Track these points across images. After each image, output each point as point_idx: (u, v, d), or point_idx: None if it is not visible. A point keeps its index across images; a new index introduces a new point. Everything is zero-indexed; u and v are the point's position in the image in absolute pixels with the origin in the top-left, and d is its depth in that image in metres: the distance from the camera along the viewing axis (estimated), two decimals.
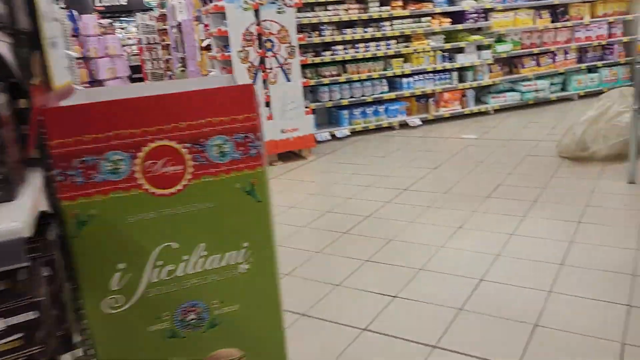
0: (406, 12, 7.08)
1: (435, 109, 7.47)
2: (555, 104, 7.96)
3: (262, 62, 5.70)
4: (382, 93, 7.18)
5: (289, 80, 5.83)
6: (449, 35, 7.64)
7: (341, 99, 6.98)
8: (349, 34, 6.87)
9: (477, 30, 7.75)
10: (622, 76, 8.43)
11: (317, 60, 6.76)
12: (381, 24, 7.02)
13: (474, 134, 6.63)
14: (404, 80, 7.25)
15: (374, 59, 7.13)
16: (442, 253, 3.30)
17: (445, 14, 7.45)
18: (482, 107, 7.70)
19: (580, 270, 2.90)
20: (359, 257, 3.33)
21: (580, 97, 8.22)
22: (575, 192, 4.13)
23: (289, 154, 6.13)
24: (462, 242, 3.42)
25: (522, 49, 7.89)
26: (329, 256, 3.42)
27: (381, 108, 7.18)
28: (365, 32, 6.94)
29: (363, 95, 7.07)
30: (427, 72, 7.36)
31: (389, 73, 7.14)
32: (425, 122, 7.43)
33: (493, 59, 7.64)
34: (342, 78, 6.91)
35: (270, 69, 5.73)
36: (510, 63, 8.15)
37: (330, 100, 6.93)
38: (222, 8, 5.48)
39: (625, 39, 8.31)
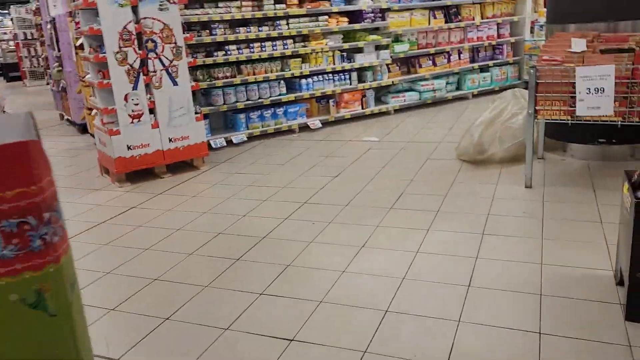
0: (302, 11, 6.77)
1: (335, 111, 7.25)
2: (451, 103, 8.06)
3: (143, 64, 5.11)
4: (280, 95, 6.82)
5: (175, 84, 5.28)
6: (347, 35, 7.45)
7: (236, 102, 6.53)
8: (242, 33, 6.43)
9: (375, 30, 7.63)
10: (511, 75, 8.75)
11: (209, 61, 6.25)
12: (277, 22, 6.65)
13: (376, 136, 6.48)
14: (303, 81, 6.95)
15: (271, 59, 6.75)
16: (345, 279, 3.00)
17: (342, 14, 7.23)
18: (383, 107, 7.61)
19: (489, 293, 2.73)
20: (252, 290, 2.95)
21: (474, 95, 8.42)
22: (476, 200, 4.04)
23: (180, 165, 5.59)
24: (366, 265, 3.15)
25: (419, 49, 7.90)
26: (219, 291, 3.00)
27: (280, 111, 6.82)
28: (260, 31, 6.54)
29: (260, 98, 6.67)
30: (326, 73, 7.12)
31: (287, 74, 6.80)
32: (326, 124, 7.19)
33: (391, 59, 7.56)
34: (237, 80, 6.45)
35: (154, 71, 5.15)
36: (408, 63, 8.14)
37: (224, 104, 6.45)
38: (93, 4, 4.81)
39: (512, 39, 8.62)
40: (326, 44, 7.02)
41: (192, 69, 6.20)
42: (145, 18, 5.01)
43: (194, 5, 6.21)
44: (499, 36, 8.57)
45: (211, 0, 6.29)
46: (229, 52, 6.37)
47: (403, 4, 7.58)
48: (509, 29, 8.70)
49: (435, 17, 7.88)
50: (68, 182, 5.51)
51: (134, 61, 5.02)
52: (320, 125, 7.04)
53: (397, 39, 7.73)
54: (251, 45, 6.51)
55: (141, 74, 5.08)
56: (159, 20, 5.08)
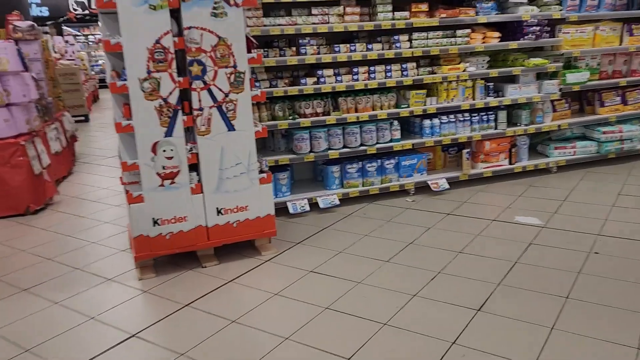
0: (433, 22, 4.67)
1: (471, 165, 5.03)
2: None
3: (184, 97, 3.36)
4: (391, 141, 4.77)
5: (231, 129, 3.47)
6: (495, 57, 5.21)
7: (329, 149, 4.59)
8: (343, 52, 4.50)
9: (536, 51, 5.31)
10: None
11: (293, 91, 4.39)
12: (395, 38, 4.63)
13: (535, 215, 4.17)
14: (426, 122, 4.84)
15: (382, 90, 4.74)
16: None
17: (490, 26, 5.03)
18: (540, 163, 5.24)
19: None
20: None
21: None
22: None
23: (234, 247, 3.76)
24: None
25: (601, 79, 5.41)
26: None
27: (389, 163, 4.77)
28: (370, 49, 4.56)
29: (363, 145, 4.68)
30: (462, 112, 4.94)
31: (404, 112, 4.73)
32: (456, 183, 5.00)
33: (560, 93, 5.17)
34: (332, 118, 4.52)
35: (200, 109, 3.38)
36: (581, 99, 5.67)
37: (312, 152, 4.55)
38: (111, 4, 3.15)
39: None
40: (464, 70, 4.85)
41: (271, 100, 4.38)
42: (190, 28, 3.26)
43: (275, 11, 4.40)
44: None
45: (301, 4, 4.45)
46: (322, 79, 4.47)
47: (586, 12, 5.16)
48: None
49: (631, 34, 5.35)
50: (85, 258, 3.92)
51: (170, 93, 3.28)
52: (446, 186, 4.86)
53: (570, 64, 5.32)
54: (355, 69, 4.55)
55: (180, 112, 3.33)
56: (211, 32, 3.31)
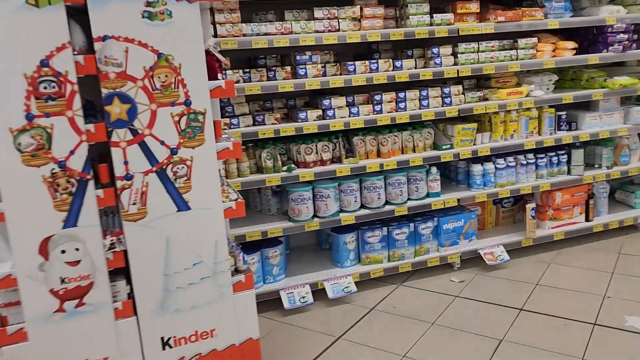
0: (487, 27, 3.28)
1: (535, 225, 3.61)
2: None
3: (97, 159, 1.96)
4: (429, 196, 3.37)
5: (184, 207, 2.05)
6: (562, 76, 3.84)
7: (340, 210, 3.19)
8: (360, 73, 3.10)
9: (615, 67, 3.94)
10: None
11: (288, 129, 2.99)
12: (434, 51, 3.24)
13: None
14: (476, 168, 3.44)
15: (415, 125, 3.35)
16: None
17: (558, 33, 3.65)
18: (627, 218, 3.83)
19: None
20: None
21: None
22: None
23: None
24: None
25: None
26: None
27: (426, 227, 3.37)
28: (398, 67, 3.17)
29: (388, 203, 3.28)
30: (525, 152, 3.55)
31: (446, 155, 3.33)
32: (517, 250, 3.59)
33: None
34: (345, 167, 3.12)
35: (128, 178, 1.96)
36: None
37: (315, 217, 3.14)
38: None
39: None
40: (528, 94, 3.46)
41: (256, 144, 3.01)
42: (106, 39, 1.86)
43: (264, 15, 3.01)
44: None
45: (299, 5, 3.06)
46: (329, 112, 3.07)
47: None
48: None
49: None
50: None
51: (72, 153, 1.87)
52: (505, 257, 3.45)
53: None
54: (377, 97, 3.16)
55: (91, 184, 1.91)
56: (143, 46, 1.90)
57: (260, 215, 3.28)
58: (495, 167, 3.46)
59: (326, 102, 3.06)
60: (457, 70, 3.26)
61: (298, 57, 3.01)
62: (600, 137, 3.64)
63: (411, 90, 3.24)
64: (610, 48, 3.55)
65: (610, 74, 3.79)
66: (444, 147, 3.34)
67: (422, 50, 3.33)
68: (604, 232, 3.80)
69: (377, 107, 3.15)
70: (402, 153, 3.30)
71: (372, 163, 3.16)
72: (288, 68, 3.01)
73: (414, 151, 3.32)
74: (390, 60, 3.15)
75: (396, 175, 3.24)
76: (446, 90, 3.29)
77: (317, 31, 2.98)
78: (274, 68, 2.99)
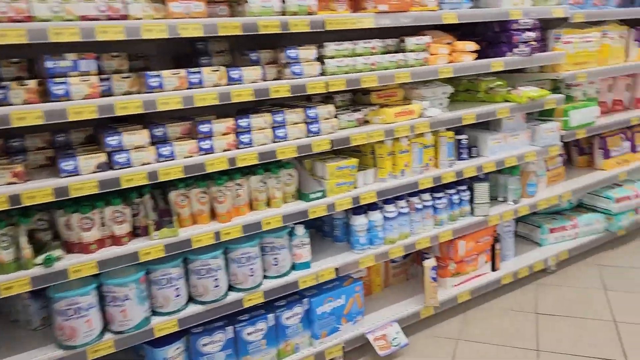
0: (366, 19, 2.24)
1: (435, 289, 2.68)
2: None
3: None
4: (294, 269, 2.27)
5: None
6: (455, 85, 2.99)
7: (153, 313, 1.95)
8: (170, 86, 1.87)
9: (516, 73, 3.17)
10: None
11: (37, 192, 1.67)
12: (290, 53, 2.12)
13: None
14: (359, 221, 2.42)
15: (265, 166, 2.21)
16: None
17: (455, 30, 2.76)
18: (536, 262, 3.09)
19: None
20: None
21: None
22: None
23: None
24: None
25: (602, 113, 3.44)
26: None
27: (291, 315, 2.26)
28: (236, 79, 2.00)
29: (233, 289, 2.11)
30: (419, 192, 2.60)
31: (316, 207, 2.23)
32: (416, 325, 2.64)
33: (561, 142, 3.08)
34: (155, 246, 1.88)
35: None
36: (573, 145, 3.67)
37: (107, 332, 1.86)
38: None
39: None
40: (422, 113, 2.51)
41: None
42: None
43: None
44: None
45: None
46: (119, 155, 1.80)
47: (594, 9, 3.12)
48: None
49: None
50: None
51: None
52: (403, 340, 2.47)
53: (559, 91, 3.26)
54: (203, 127, 1.96)
55: None
56: None
57: (18, 332, 1.93)
58: (384, 217, 2.47)
59: (113, 139, 1.80)
60: (326, 83, 2.18)
61: (49, 64, 1.70)
62: (507, 164, 2.84)
63: (259, 115, 2.10)
64: (515, 50, 2.74)
65: (510, 82, 3.01)
66: (312, 195, 2.25)
67: (273, 53, 2.20)
68: (514, 284, 3.02)
69: (206, 144, 1.96)
70: (251, 210, 2.16)
71: (202, 233, 1.97)
72: (33, 83, 1.69)
73: (269, 206, 2.19)
74: (223, 68, 1.98)
75: (242, 246, 2.09)
76: (312, 112, 2.21)
77: (84, 18, 1.70)
78: (6, 84, 1.65)
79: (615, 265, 3.22)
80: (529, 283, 3.08)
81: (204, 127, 1.96)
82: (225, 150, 2.00)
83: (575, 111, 3.06)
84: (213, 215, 2.06)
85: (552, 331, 2.60)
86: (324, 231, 2.67)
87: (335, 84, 2.20)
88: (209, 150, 1.97)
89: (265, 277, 2.20)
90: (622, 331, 2.54)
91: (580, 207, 3.51)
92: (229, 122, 2.01)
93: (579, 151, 3.62)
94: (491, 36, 2.80)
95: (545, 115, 3.11)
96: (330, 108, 2.26)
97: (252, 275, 2.11)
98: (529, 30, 2.76)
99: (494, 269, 2.96)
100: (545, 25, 2.97)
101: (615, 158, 3.47)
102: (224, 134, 2.00)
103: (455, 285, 2.80)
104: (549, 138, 2.97)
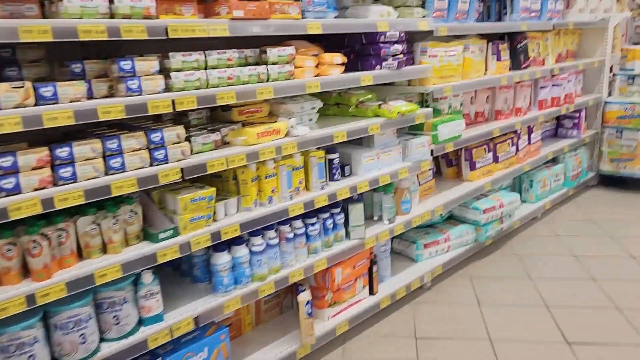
0: (219, 26, 1.93)
1: (311, 325, 2.44)
2: (518, 235, 3.76)
3: None
4: (141, 325, 1.87)
5: None
6: (325, 99, 2.79)
7: None
8: None
9: (388, 86, 3.05)
10: (586, 165, 4.75)
11: None
12: (123, 66, 1.73)
13: None
14: (221, 259, 2.08)
15: (99, 205, 1.79)
16: None
17: (320, 41, 2.55)
18: (413, 281, 3.00)
19: None
20: None
21: (547, 211, 4.24)
22: None
23: None
24: None
25: (466, 125, 3.47)
26: None
27: None
28: (48, 98, 1.56)
29: None
30: (289, 220, 2.34)
31: (167, 249, 1.87)
32: None
33: (432, 157, 3.02)
34: None
35: None
36: (441, 157, 3.66)
37: None
38: None
39: (590, 100, 4.63)
40: (289, 131, 2.25)
41: None
42: None
43: None
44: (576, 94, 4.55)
45: None
46: None
47: (456, 23, 3.10)
48: (581, 82, 4.72)
49: (499, 59, 3.54)
50: None
51: None
52: None
53: (427, 105, 3.22)
54: (5, 160, 1.50)
55: None
56: None
57: None
58: (251, 252, 2.17)
59: None
60: (173, 101, 1.83)
61: None
62: (381, 182, 2.69)
63: (85, 142, 1.68)
64: (384, 63, 2.60)
65: (380, 95, 2.89)
66: (162, 235, 1.88)
67: (104, 63, 1.80)
68: (392, 305, 2.89)
69: (8, 182, 1.51)
70: (81, 259, 1.73)
71: (7, 299, 1.51)
72: None
73: (105, 252, 1.78)
74: (28, 84, 1.53)
75: (69, 308, 1.66)
76: (156, 135, 1.83)
77: None
78: None
79: (485, 276, 3.25)
80: (407, 303, 2.97)
81: (4, 161, 1.50)
82: (37, 189, 1.56)
83: (443, 125, 3.01)
84: (26, 271, 1.60)
85: (431, 355, 2.48)
86: (182, 270, 2.30)
87: (184, 101, 1.85)
88: (13, 191, 1.51)
89: (103, 340, 1.78)
90: (498, 351, 2.50)
91: (451, 219, 3.52)
92: (41, 153, 1.57)
93: (447, 163, 3.64)
94: (359, 48, 2.63)
95: (414, 129, 3.03)
96: (179, 130, 1.91)
97: (84, 343, 1.68)
98: (396, 42, 2.64)
99: (372, 292, 2.80)
100: (411, 38, 2.89)
101: (480, 169, 3.52)
102: (35, 168, 1.55)
103: (333, 316, 2.59)
104: (420, 153, 2.89)
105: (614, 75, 4.82)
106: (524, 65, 3.73)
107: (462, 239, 3.36)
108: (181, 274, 2.31)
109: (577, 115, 4.51)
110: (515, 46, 3.69)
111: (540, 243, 3.68)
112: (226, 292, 2.10)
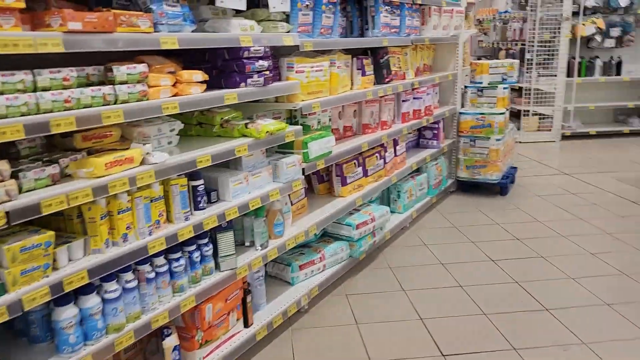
0: (51, 40, 1.62)
1: (184, 358, 2.21)
2: (392, 245, 3.84)
3: None
4: None
5: None
6: (186, 119, 2.56)
7: None
8: None
9: (254, 103, 2.90)
10: (446, 173, 5.04)
11: None
12: None
13: None
14: (64, 315, 1.76)
15: None
16: None
17: (176, 56, 2.32)
18: (289, 306, 2.87)
19: None
20: None
21: (414, 219, 4.40)
22: None
23: None
24: None
25: (337, 139, 3.45)
26: None
27: None
28: None
29: None
30: (150, 258, 2.07)
31: None
32: None
33: (303, 176, 2.93)
34: None
35: None
36: (313, 174, 3.59)
37: None
38: None
39: (446, 112, 4.93)
40: (145, 159, 1.99)
41: None
42: None
43: None
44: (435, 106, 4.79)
45: None
46: None
47: (321, 37, 3.04)
48: (437, 95, 5.00)
49: (364, 73, 3.57)
50: None
51: None
52: None
53: (295, 121, 3.14)
54: None
55: None
56: None
57: None
58: (104, 300, 1.87)
59: None
60: None
61: None
62: (251, 207, 2.52)
63: None
64: (249, 80, 2.45)
65: (247, 113, 2.73)
66: None
67: None
68: (269, 335, 2.73)
69: None
70: None
71: None
72: None
73: None
74: None
75: None
76: None
77: None
78: None
79: (360, 292, 3.24)
80: (285, 330, 2.83)
81: None
82: None
83: (313, 142, 2.94)
84: None
85: None
86: (16, 330, 1.92)
87: (7, 131, 1.52)
88: None
89: None
90: None
91: (326, 236, 3.47)
92: None
93: (318, 179, 3.58)
94: (222, 64, 2.45)
95: (284, 147, 2.91)
96: (3, 166, 1.57)
97: None
98: (261, 58, 2.50)
99: (246, 324, 2.62)
100: (276, 53, 2.78)
101: (351, 184, 3.52)
102: None
103: (205, 357, 2.37)
104: (291, 173, 2.78)
105: (465, 87, 5.18)
106: (387, 80, 3.82)
107: (337, 257, 3.32)
108: (16, 333, 1.93)
109: (436, 126, 4.76)
110: (378, 61, 3.77)
111: (410, 253, 3.79)
112: (73, 352, 1.78)
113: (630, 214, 4.45)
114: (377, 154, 3.77)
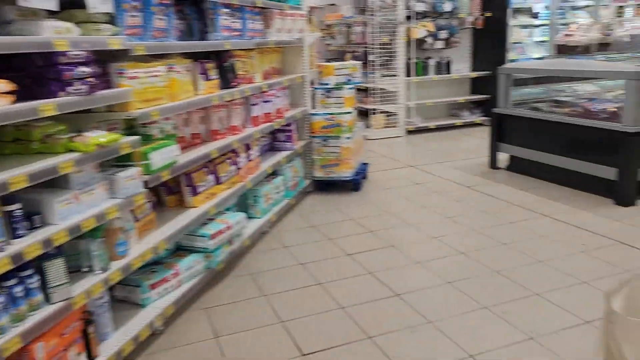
0: None
1: None
2: (253, 252, 3.79)
3: None
4: None
5: None
6: (6, 136, 2.25)
7: None
8: None
9: (84, 114, 2.63)
10: (302, 174, 5.10)
11: None
12: None
13: None
14: None
15: None
16: None
17: None
18: (140, 327, 2.67)
19: None
20: None
21: (273, 223, 4.39)
22: None
23: None
24: None
25: (183, 148, 3.30)
26: None
27: None
28: None
29: None
30: None
31: None
32: None
33: (146, 189, 2.73)
34: None
35: None
36: (160, 185, 3.38)
37: None
38: None
39: (298, 113, 4.99)
40: None
41: None
42: None
43: None
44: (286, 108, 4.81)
45: None
46: None
47: (154, 41, 2.85)
48: (288, 97, 5.04)
49: (207, 78, 3.45)
50: None
51: None
52: None
53: (135, 130, 2.93)
54: None
55: None
56: None
57: None
58: None
59: None
60: None
61: None
62: (85, 229, 2.28)
63: None
64: (70, 89, 2.21)
65: (74, 126, 2.47)
66: None
67: None
68: None
69: None
70: None
71: None
72: None
73: None
74: None
75: None
76: None
77: None
78: None
79: (220, 303, 3.12)
80: (139, 357, 2.62)
81: None
82: None
83: (155, 153, 2.76)
84: None
85: None
86: None
87: None
88: None
89: None
90: None
91: (179, 249, 3.29)
92: None
93: (167, 191, 3.39)
94: (35, 72, 2.18)
95: (122, 160, 2.69)
96: None
97: None
98: (82, 64, 2.27)
99: (90, 358, 2.37)
100: (105, 59, 2.56)
101: (203, 193, 3.38)
102: None
103: None
104: (131, 187, 2.57)
105: (314, 89, 5.30)
106: (233, 84, 3.74)
107: (193, 270, 3.17)
108: None
109: (289, 128, 4.80)
110: (222, 65, 3.67)
111: (271, 257, 3.75)
112: None
113: (465, 197, 4.89)
114: (229, 160, 3.68)
